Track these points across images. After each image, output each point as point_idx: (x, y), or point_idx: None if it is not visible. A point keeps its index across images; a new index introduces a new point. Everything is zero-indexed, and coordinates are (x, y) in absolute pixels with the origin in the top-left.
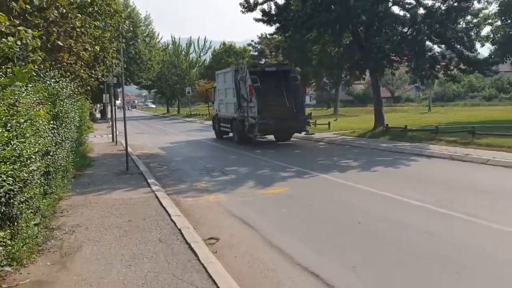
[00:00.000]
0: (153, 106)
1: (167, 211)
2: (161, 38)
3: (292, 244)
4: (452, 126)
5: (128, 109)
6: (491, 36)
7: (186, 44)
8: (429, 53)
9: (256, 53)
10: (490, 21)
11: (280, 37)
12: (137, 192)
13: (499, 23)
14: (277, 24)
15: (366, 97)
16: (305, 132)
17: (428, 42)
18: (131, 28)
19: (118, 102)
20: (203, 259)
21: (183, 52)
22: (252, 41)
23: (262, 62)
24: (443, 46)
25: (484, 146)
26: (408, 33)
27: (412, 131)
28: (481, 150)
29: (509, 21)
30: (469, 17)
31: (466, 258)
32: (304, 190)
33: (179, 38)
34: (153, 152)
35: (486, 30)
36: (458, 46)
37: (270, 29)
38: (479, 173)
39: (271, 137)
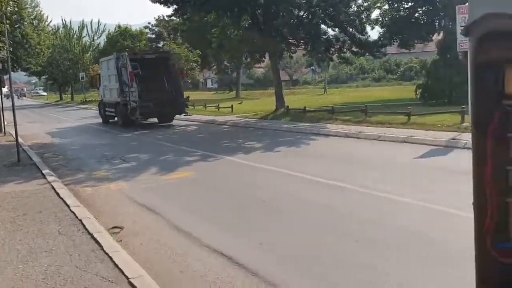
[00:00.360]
0: (45, 93)
1: (65, 202)
2: (51, 21)
3: (199, 227)
4: (346, 106)
5: (18, 97)
6: (380, 19)
7: (79, 27)
8: (324, 36)
9: (153, 36)
10: (378, 4)
11: (178, 19)
12: (31, 184)
13: (386, 6)
14: (175, 6)
15: (267, 80)
16: (184, 114)
17: (323, 26)
18: (16, 9)
19: (5, 90)
20: (108, 248)
21: (75, 36)
22: (149, 23)
23: (160, 45)
24: (336, 29)
25: (375, 123)
26: (304, 16)
27: (310, 112)
28: (373, 127)
29: (395, 5)
30: (360, 1)
31: (365, 227)
32: (209, 173)
33: (71, 21)
34: (46, 141)
35: (375, 14)
36: (351, 29)
37: (168, 11)
38: (372, 148)
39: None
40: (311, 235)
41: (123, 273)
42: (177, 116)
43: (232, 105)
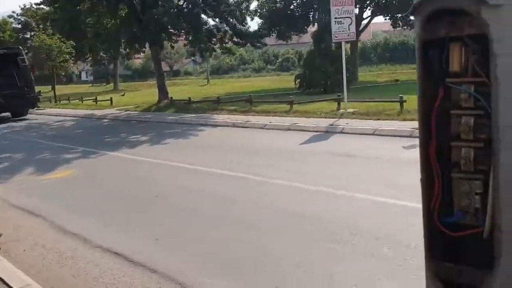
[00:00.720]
0: None
1: None
2: None
3: (87, 228)
4: (231, 96)
5: None
6: (259, 10)
7: None
8: (205, 26)
9: (19, 26)
10: None
11: (48, 8)
12: None
13: None
14: None
15: (146, 71)
16: (36, 108)
17: (204, 16)
18: None
19: None
20: None
21: None
22: (13, 12)
23: (28, 36)
24: (217, 19)
25: (261, 112)
26: (184, 6)
27: (196, 103)
28: (259, 116)
29: None
30: None
31: (258, 213)
32: (92, 170)
33: None
34: None
35: (254, 5)
36: (231, 20)
37: None
38: (260, 137)
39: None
40: (206, 226)
41: (7, 284)
42: (52, 111)
43: (111, 98)
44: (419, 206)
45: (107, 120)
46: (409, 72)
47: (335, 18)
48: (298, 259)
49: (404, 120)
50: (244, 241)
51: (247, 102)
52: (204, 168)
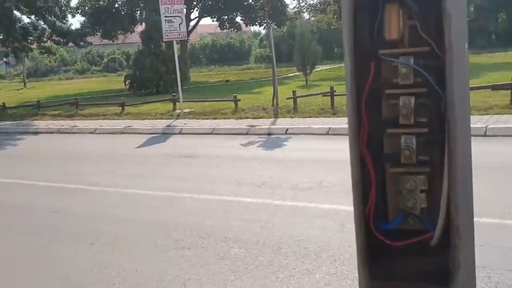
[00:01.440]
0: None
1: None
2: None
3: None
4: (53, 100)
5: None
6: (81, 7)
7: None
8: (19, 23)
9: None
10: None
11: None
12: None
13: None
14: None
15: None
16: None
17: (17, 12)
18: None
19: None
20: None
21: None
22: None
23: None
24: (33, 16)
25: (89, 116)
26: None
27: (11, 109)
28: (87, 120)
29: None
30: None
31: (97, 226)
32: None
33: None
34: None
35: (75, 1)
36: (50, 17)
37: None
38: (90, 142)
39: None
40: (35, 246)
41: None
42: None
43: None
44: (264, 201)
45: None
46: (238, 73)
47: (165, 16)
48: (149, 270)
49: (240, 118)
50: (82, 258)
51: (72, 106)
52: (26, 181)
